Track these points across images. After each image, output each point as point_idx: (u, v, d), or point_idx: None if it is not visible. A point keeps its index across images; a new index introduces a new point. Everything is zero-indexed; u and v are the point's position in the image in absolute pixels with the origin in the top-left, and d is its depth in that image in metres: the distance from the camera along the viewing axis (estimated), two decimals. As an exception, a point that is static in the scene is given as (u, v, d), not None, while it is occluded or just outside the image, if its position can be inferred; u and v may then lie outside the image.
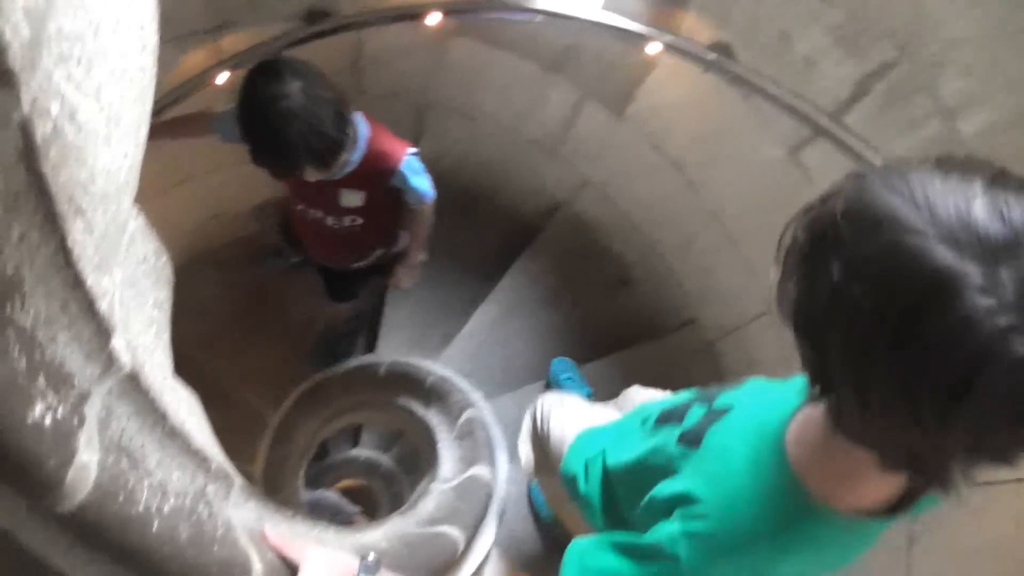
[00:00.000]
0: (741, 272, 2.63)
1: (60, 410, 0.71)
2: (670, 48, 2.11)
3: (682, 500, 1.03)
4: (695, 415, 1.22)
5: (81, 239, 0.71)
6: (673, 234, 3.07)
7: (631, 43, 2.22)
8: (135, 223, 0.87)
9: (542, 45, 2.80)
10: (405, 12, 2.33)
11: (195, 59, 2.39)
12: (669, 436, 1.20)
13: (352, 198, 2.23)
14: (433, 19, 2.32)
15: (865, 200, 0.70)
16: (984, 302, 0.61)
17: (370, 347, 3.38)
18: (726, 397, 1.21)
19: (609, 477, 1.41)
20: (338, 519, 3.75)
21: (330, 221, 2.32)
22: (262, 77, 1.76)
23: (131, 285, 0.87)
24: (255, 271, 3.66)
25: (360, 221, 2.31)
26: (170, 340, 1.05)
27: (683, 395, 1.41)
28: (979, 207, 0.64)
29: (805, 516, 0.93)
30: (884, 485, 0.91)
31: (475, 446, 2.48)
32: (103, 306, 0.75)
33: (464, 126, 3.40)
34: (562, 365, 3.09)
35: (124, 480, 0.79)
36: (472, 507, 2.11)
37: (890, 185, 0.69)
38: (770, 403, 1.07)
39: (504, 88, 3.11)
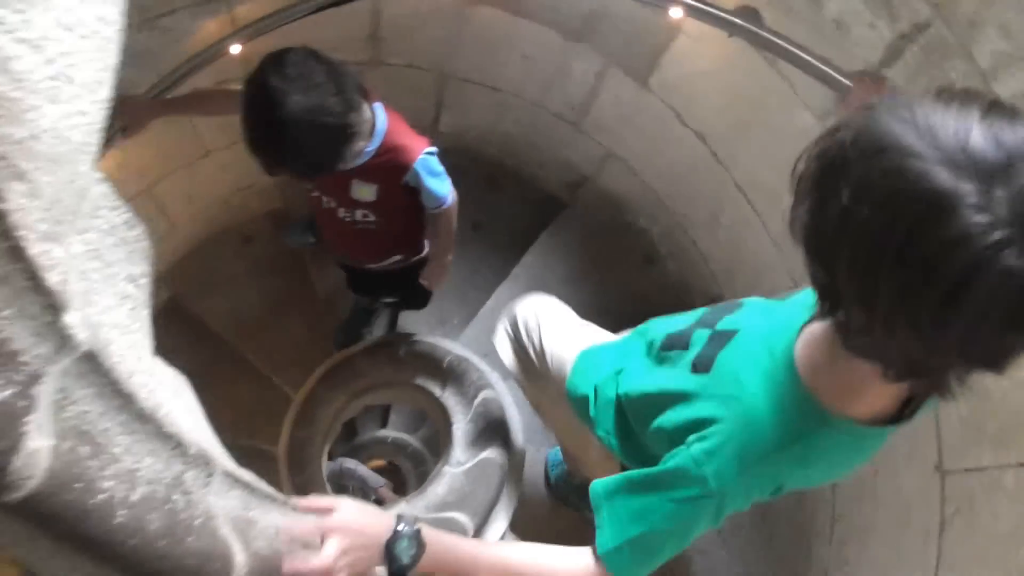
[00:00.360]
0: (769, 247, 2.52)
1: (4, 392, 0.66)
2: (694, 11, 1.99)
3: (698, 425, 1.09)
4: (700, 340, 1.26)
5: (22, 204, 0.66)
6: (700, 208, 2.97)
7: (654, 7, 2.11)
8: (99, 189, 0.81)
9: (564, 13, 2.70)
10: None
11: (210, 29, 2.35)
12: (681, 364, 1.26)
13: (364, 191, 2.14)
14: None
15: (872, 128, 0.76)
16: (978, 219, 0.68)
17: (391, 325, 3.32)
18: (729, 319, 1.26)
19: (622, 404, 1.44)
20: (363, 491, 3.72)
21: (342, 213, 2.23)
22: (265, 78, 1.66)
23: (95, 257, 0.81)
24: (281, 245, 3.62)
25: (373, 218, 2.22)
26: (150, 317, 0.99)
27: (684, 317, 1.42)
28: (976, 133, 0.71)
29: (820, 426, 1.01)
30: (887, 395, 0.99)
31: (489, 428, 2.41)
32: (53, 279, 0.69)
33: (487, 97, 3.31)
34: None
35: (83, 467, 0.74)
36: (484, 491, 2.04)
37: (895, 114, 0.75)
38: (774, 323, 1.13)
39: (527, 58, 3.02)
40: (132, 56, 0.90)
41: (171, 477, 0.88)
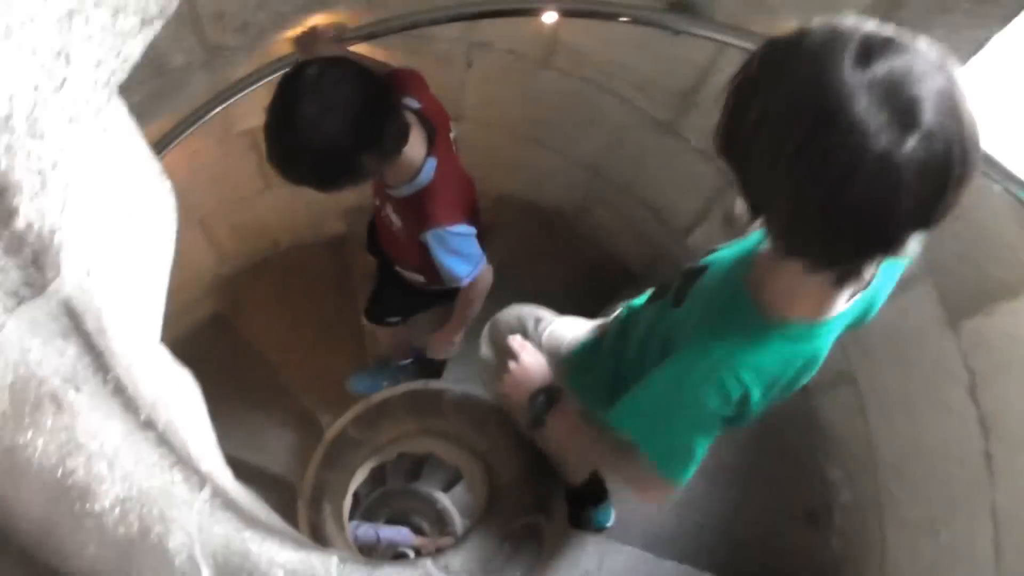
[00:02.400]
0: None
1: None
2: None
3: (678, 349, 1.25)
4: (678, 282, 1.40)
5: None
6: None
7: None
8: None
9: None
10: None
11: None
12: (666, 303, 1.41)
13: (393, 215, 2.12)
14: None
15: (777, 44, 0.91)
16: (865, 118, 0.80)
17: (438, 371, 3.17)
18: (704, 260, 1.38)
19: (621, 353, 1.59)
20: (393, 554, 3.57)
21: (378, 201, 2.18)
22: (291, 88, 1.61)
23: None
24: (337, 270, 3.58)
25: (399, 226, 2.13)
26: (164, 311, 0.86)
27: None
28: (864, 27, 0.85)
29: (764, 331, 1.15)
30: (819, 291, 1.09)
31: (532, 494, 2.21)
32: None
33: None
34: None
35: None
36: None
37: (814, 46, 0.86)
38: (737, 253, 1.29)
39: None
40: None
41: (147, 481, 0.73)
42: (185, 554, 0.79)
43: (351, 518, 3.80)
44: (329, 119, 1.57)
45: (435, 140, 1.91)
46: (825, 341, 1.21)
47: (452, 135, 2.10)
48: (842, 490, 2.57)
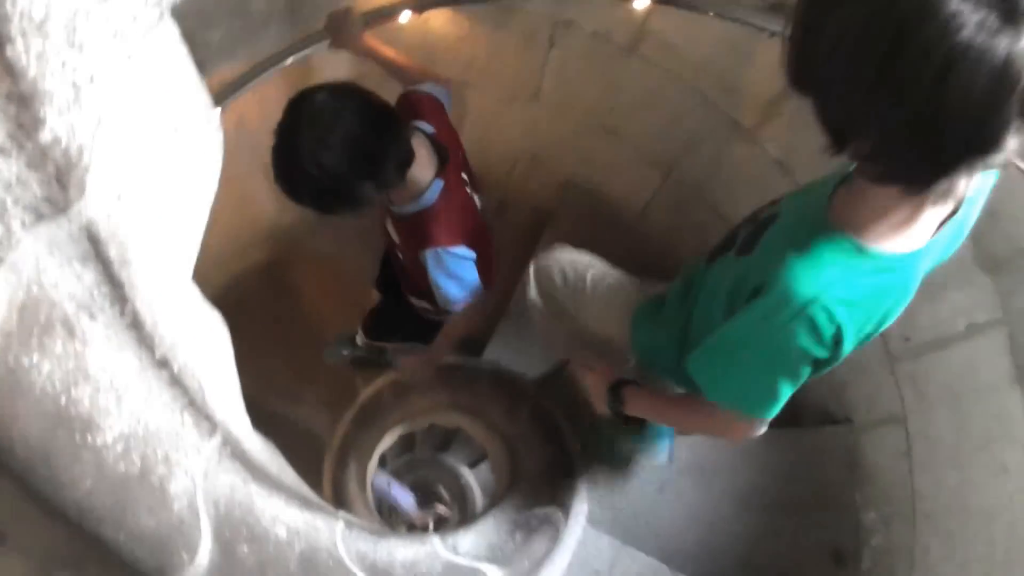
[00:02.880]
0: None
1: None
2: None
3: (753, 292, 1.19)
4: (744, 233, 1.36)
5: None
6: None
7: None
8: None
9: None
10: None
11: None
12: (728, 258, 1.38)
13: (393, 231, 2.13)
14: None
15: None
16: (960, 6, 0.75)
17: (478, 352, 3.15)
18: (769, 210, 1.35)
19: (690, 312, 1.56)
20: (398, 515, 3.59)
21: (387, 226, 2.19)
22: (295, 112, 1.62)
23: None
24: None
25: (399, 243, 2.16)
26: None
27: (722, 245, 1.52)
28: None
29: (858, 261, 1.09)
30: (912, 216, 1.05)
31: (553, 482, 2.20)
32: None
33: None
34: None
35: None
36: (527, 551, 1.85)
37: None
38: (809, 196, 1.24)
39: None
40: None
41: (157, 421, 0.71)
42: (186, 500, 0.77)
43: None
44: (327, 151, 1.59)
45: (446, 164, 1.93)
46: (917, 271, 1.15)
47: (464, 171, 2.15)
48: (875, 534, 2.46)
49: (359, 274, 3.67)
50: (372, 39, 2.11)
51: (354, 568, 1.05)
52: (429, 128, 1.96)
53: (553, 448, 2.06)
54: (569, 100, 2.92)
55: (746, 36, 1.99)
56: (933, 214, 1.06)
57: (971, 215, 1.24)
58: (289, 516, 0.95)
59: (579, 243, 2.15)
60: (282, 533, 0.93)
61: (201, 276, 0.89)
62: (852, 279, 1.09)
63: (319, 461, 3.37)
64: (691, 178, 2.95)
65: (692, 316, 1.54)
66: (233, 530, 0.84)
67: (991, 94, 0.77)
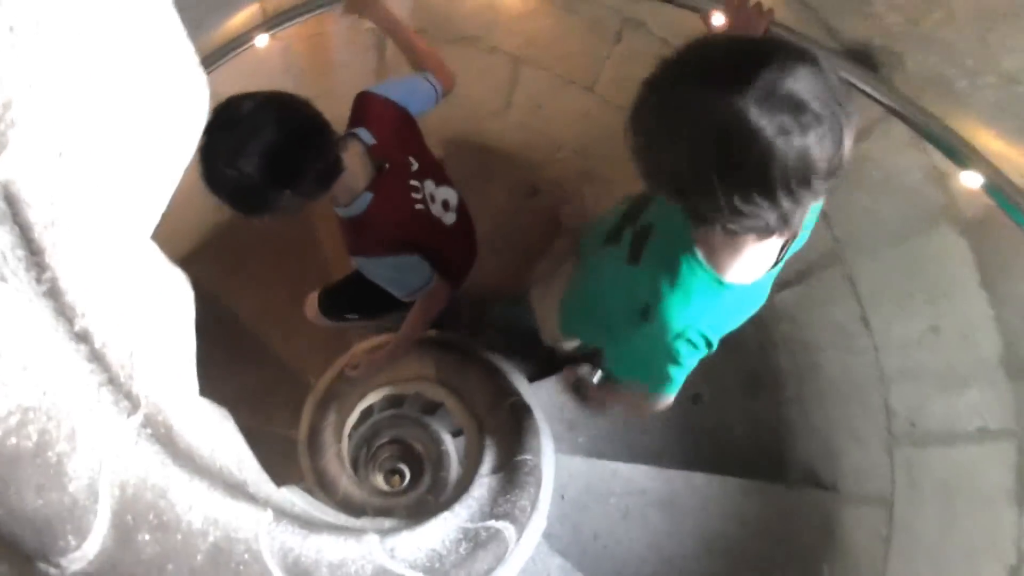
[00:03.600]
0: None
1: None
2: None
3: (645, 305, 1.46)
4: (627, 239, 1.60)
5: None
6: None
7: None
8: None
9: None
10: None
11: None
12: (618, 257, 1.60)
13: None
14: None
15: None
16: (761, 123, 0.98)
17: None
18: (645, 216, 1.60)
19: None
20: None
21: None
22: (213, 120, 1.56)
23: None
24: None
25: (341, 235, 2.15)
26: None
27: (614, 214, 1.79)
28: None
29: (723, 291, 1.37)
30: (761, 252, 1.34)
31: (520, 431, 2.24)
32: None
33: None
34: None
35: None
36: (519, 497, 1.90)
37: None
38: (676, 213, 1.33)
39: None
40: None
41: (59, 387, 0.64)
42: (86, 480, 0.71)
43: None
44: (244, 158, 1.58)
45: (380, 176, 1.92)
46: (768, 286, 1.53)
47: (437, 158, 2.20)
48: (834, 609, 2.40)
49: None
50: (390, 8, 2.08)
51: (271, 564, 0.99)
52: (369, 137, 1.94)
53: (522, 452, 2.01)
54: (624, 97, 2.81)
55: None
56: (777, 243, 1.35)
57: (807, 228, 1.57)
58: (208, 504, 0.89)
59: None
60: (196, 522, 0.87)
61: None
62: (715, 307, 1.39)
63: (301, 403, 3.36)
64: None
65: (602, 304, 1.75)
66: (138, 516, 0.78)
67: (799, 168, 1.00)
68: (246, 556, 0.96)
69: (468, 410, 2.62)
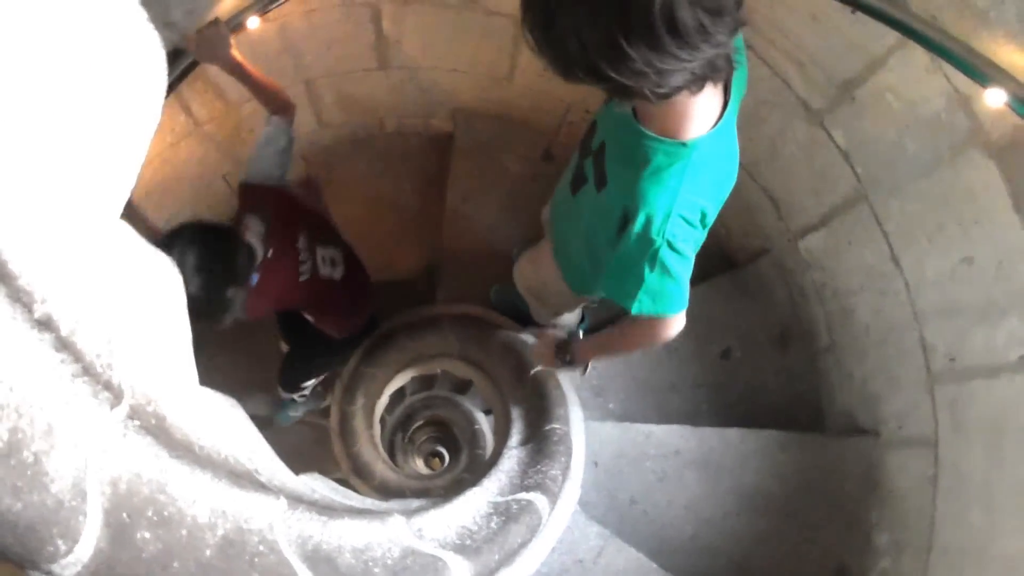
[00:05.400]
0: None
1: None
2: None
3: (624, 219, 1.44)
4: (590, 167, 1.64)
5: None
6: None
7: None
8: None
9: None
10: None
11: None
12: (590, 191, 1.64)
13: None
14: None
15: None
16: None
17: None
18: (595, 138, 1.63)
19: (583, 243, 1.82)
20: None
21: None
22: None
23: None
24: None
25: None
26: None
27: (569, 168, 1.84)
28: None
29: (685, 153, 1.35)
30: (707, 104, 1.34)
31: (547, 403, 2.23)
32: None
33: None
34: None
35: None
36: (549, 467, 1.90)
37: None
38: (612, 115, 1.47)
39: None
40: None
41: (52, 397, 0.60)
42: (70, 480, 0.67)
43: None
44: (188, 285, 1.63)
45: (265, 260, 2.14)
46: (731, 142, 1.47)
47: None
48: (885, 557, 2.33)
49: (396, 200, 3.69)
50: (238, 54, 2.10)
51: (288, 553, 0.95)
52: (260, 227, 2.16)
53: (550, 422, 1.96)
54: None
55: (828, 8, 1.80)
56: (715, 89, 1.32)
57: (740, 81, 1.48)
58: (214, 496, 0.85)
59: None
60: (202, 515, 0.83)
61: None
62: (691, 173, 1.35)
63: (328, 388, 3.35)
64: (748, 155, 2.74)
65: (586, 244, 1.76)
66: (134, 513, 0.74)
67: (702, 20, 0.99)
68: (260, 547, 0.93)
69: (493, 384, 2.59)
